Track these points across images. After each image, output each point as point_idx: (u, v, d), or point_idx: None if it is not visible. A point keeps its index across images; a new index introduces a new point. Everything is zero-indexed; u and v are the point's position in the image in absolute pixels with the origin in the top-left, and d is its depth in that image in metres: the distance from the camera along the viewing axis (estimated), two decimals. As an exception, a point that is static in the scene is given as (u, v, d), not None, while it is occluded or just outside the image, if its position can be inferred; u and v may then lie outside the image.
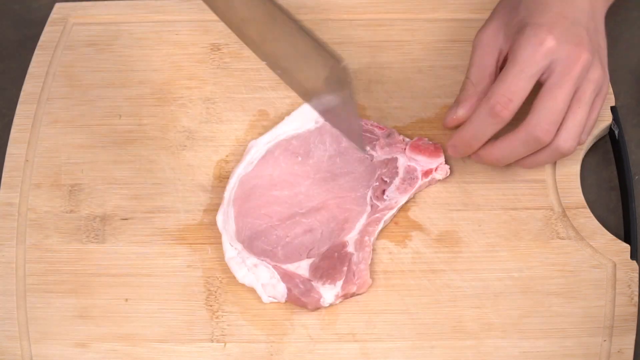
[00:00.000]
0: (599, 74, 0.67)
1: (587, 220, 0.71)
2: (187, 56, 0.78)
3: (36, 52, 0.79)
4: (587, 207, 0.71)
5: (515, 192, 0.72)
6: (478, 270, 0.69)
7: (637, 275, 0.68)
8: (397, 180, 0.71)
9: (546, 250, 0.70)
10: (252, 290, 0.68)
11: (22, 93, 0.77)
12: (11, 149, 0.75)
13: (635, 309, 0.67)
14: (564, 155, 0.68)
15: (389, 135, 0.73)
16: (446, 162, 0.72)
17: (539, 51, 0.65)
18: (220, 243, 0.70)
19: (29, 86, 0.77)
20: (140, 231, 0.71)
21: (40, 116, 0.76)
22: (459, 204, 0.72)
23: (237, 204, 0.70)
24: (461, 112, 0.70)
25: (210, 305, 0.68)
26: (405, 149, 0.72)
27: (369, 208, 0.70)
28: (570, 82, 0.66)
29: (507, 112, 0.65)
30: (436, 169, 0.71)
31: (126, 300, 0.69)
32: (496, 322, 0.67)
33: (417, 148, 0.72)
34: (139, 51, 0.79)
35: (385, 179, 0.71)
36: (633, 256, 0.69)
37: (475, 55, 0.70)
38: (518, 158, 0.68)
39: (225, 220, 0.70)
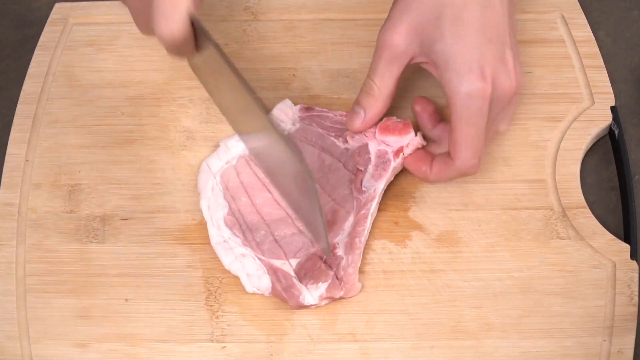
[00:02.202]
0: (518, 95, 0.67)
1: (587, 220, 0.71)
2: (187, 56, 0.78)
3: (36, 52, 0.79)
4: (587, 207, 0.71)
5: (515, 192, 0.72)
6: (478, 270, 0.69)
7: (637, 275, 0.68)
8: (370, 168, 0.70)
9: (546, 250, 0.70)
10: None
11: (22, 93, 0.77)
12: (11, 149, 0.75)
13: (635, 309, 0.67)
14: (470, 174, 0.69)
15: None
16: (416, 134, 0.71)
17: (482, 105, 0.64)
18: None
19: (29, 86, 0.77)
20: (140, 231, 0.71)
21: (40, 116, 0.76)
22: (458, 204, 0.72)
23: (227, 197, 0.70)
24: (369, 118, 0.70)
25: (210, 306, 0.68)
26: (375, 132, 0.71)
27: (354, 203, 0.70)
28: (495, 113, 0.66)
29: (478, 169, 0.67)
30: (407, 145, 0.70)
31: (126, 300, 0.69)
32: (496, 322, 0.67)
33: (386, 129, 0.71)
34: (139, 51, 0.79)
35: (361, 168, 0.70)
36: (633, 256, 0.69)
37: (382, 60, 0.68)
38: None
39: (214, 207, 0.70)
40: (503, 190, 0.72)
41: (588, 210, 0.71)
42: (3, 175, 0.74)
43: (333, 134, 0.73)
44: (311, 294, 0.66)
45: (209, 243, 0.70)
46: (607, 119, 0.75)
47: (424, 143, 0.71)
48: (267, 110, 0.61)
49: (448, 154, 0.68)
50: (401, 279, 0.69)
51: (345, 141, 0.72)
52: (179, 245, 0.71)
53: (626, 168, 0.73)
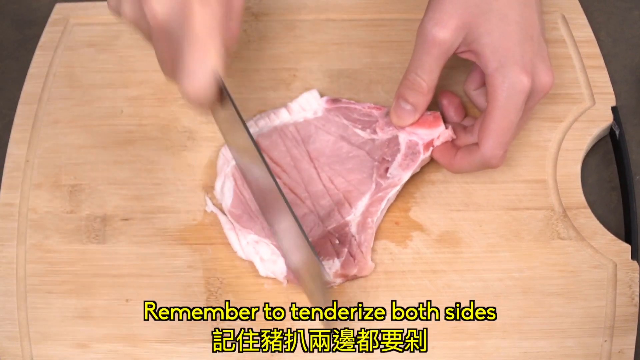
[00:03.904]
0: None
1: (588, 221, 0.71)
2: (188, 56, 0.78)
3: (37, 52, 0.79)
4: (588, 207, 0.71)
5: (516, 192, 0.72)
6: (479, 270, 0.69)
7: (638, 275, 0.68)
8: (399, 157, 0.71)
9: (547, 250, 0.70)
10: (253, 291, 0.68)
11: (22, 93, 0.77)
12: (12, 150, 0.75)
13: (636, 309, 0.67)
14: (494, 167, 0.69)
15: (387, 114, 0.72)
16: (446, 127, 0.71)
17: (522, 98, 0.65)
18: (221, 244, 0.70)
19: (30, 86, 0.77)
20: (141, 231, 0.71)
21: (40, 116, 0.76)
22: (459, 204, 0.72)
23: (237, 179, 0.71)
24: (419, 114, 0.70)
25: (211, 306, 0.68)
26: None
27: (373, 186, 0.70)
28: (531, 109, 0.68)
29: (502, 162, 0.67)
30: (438, 137, 0.71)
31: (127, 300, 0.69)
32: (497, 323, 0.67)
33: (416, 122, 0.71)
34: (140, 51, 0.79)
35: (387, 158, 0.71)
36: (634, 256, 0.69)
37: (431, 56, 0.67)
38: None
39: (222, 192, 0.70)
40: (504, 191, 0.72)
41: (589, 210, 0.71)
42: (3, 176, 0.74)
43: (360, 126, 0.73)
44: (327, 270, 0.67)
45: (209, 243, 0.70)
46: (607, 119, 0.75)
47: (455, 136, 0.71)
48: (273, 175, 0.62)
49: (474, 144, 0.68)
50: (402, 279, 0.69)
51: (374, 132, 0.72)
52: (179, 245, 0.71)
53: (627, 168, 0.73)
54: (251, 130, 0.73)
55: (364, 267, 0.67)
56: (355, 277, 0.68)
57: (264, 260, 0.68)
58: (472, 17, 0.66)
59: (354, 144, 0.72)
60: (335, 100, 0.74)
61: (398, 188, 0.70)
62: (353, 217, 0.69)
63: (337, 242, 0.68)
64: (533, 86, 0.66)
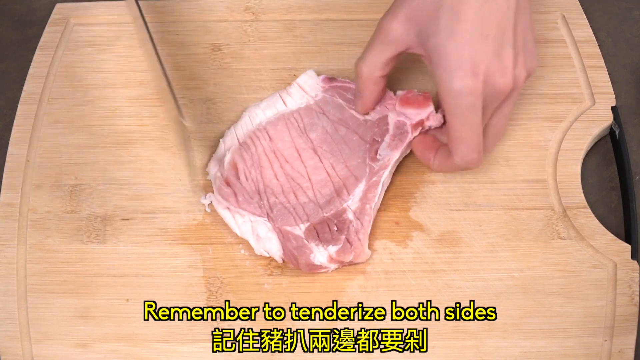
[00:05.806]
0: (517, 93, 0.67)
1: (588, 220, 0.71)
2: (188, 57, 0.78)
3: (37, 52, 0.79)
4: (588, 207, 0.71)
5: (516, 192, 0.72)
6: (479, 270, 0.69)
7: (638, 275, 0.68)
8: (387, 138, 0.71)
9: (547, 250, 0.70)
10: (253, 291, 0.68)
11: (23, 93, 0.77)
12: (12, 150, 0.75)
13: (636, 309, 0.67)
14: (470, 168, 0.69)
15: None
16: (437, 111, 0.71)
17: (472, 101, 0.64)
18: (221, 243, 0.70)
19: (30, 86, 0.77)
20: (141, 231, 0.71)
21: (41, 116, 0.76)
22: (459, 204, 0.72)
23: (240, 164, 0.71)
24: (365, 99, 0.71)
25: (211, 306, 0.68)
26: (395, 104, 0.72)
27: (367, 170, 0.70)
28: (501, 109, 0.67)
29: (479, 163, 0.67)
30: (428, 118, 0.71)
31: (127, 300, 0.69)
32: (497, 322, 0.67)
33: (406, 101, 0.71)
34: (140, 51, 0.78)
35: (377, 139, 0.71)
36: (634, 256, 0.69)
37: (375, 42, 0.67)
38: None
39: (215, 176, 0.71)
40: (504, 191, 0.72)
41: (589, 210, 0.71)
42: (4, 176, 0.74)
43: (353, 106, 0.73)
44: (322, 254, 0.67)
45: (210, 243, 0.70)
46: (608, 119, 0.75)
47: (443, 121, 0.71)
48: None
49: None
50: (402, 279, 0.69)
51: (367, 112, 0.73)
52: (179, 245, 0.71)
53: (627, 168, 0.73)
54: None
55: (360, 253, 0.68)
56: (351, 264, 0.68)
57: (260, 238, 0.68)
58: (422, 13, 0.65)
59: (350, 127, 0.72)
60: (331, 79, 0.74)
61: (389, 169, 0.70)
62: (351, 203, 0.69)
63: (335, 228, 0.68)
64: (487, 88, 0.64)
